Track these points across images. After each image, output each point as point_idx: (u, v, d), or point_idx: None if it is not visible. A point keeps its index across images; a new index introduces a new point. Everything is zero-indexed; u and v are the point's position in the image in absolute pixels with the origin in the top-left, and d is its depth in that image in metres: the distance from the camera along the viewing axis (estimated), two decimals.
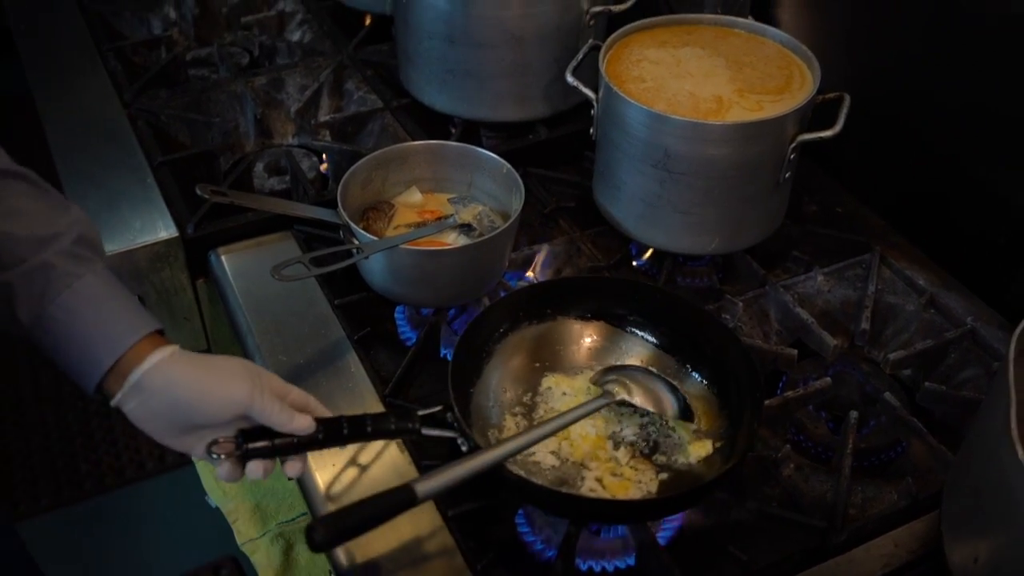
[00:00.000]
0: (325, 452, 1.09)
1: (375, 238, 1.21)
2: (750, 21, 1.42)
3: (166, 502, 2.47)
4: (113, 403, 0.92)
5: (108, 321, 0.91)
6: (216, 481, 1.50)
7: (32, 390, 2.80)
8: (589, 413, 1.07)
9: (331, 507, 1.06)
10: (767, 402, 1.15)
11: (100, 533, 2.40)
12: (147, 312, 0.96)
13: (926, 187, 1.44)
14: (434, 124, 1.61)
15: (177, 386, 0.91)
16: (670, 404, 1.11)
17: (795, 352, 1.25)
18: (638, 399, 1.11)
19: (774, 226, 1.39)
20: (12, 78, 2.03)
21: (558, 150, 1.57)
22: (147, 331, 0.92)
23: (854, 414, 1.17)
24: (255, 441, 0.93)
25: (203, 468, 1.55)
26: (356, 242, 1.22)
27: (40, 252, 0.90)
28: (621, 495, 1.05)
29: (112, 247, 1.32)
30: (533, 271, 1.38)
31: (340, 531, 0.90)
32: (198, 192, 1.13)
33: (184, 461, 2.56)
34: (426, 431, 1.01)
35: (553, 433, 1.03)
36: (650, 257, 1.42)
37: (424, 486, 0.93)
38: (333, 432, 0.97)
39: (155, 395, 0.91)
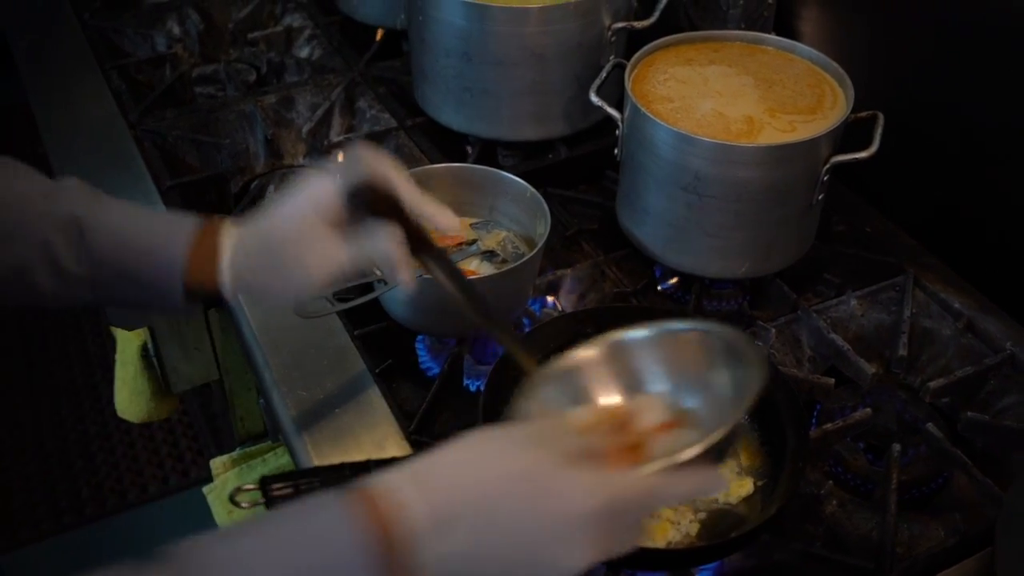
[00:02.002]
0: None
1: None
2: (778, 38, 1.38)
3: (170, 527, 2.42)
4: (224, 289, 0.93)
5: (158, 221, 0.94)
6: (227, 513, 1.46)
7: (31, 413, 2.75)
8: None
9: None
10: (808, 435, 1.11)
11: (102, 560, 2.35)
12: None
13: (957, 206, 1.41)
14: (450, 143, 1.57)
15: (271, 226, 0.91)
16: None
17: (832, 381, 1.21)
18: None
19: (805, 248, 1.35)
20: (11, 91, 1.99)
21: (578, 169, 1.53)
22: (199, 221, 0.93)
23: (896, 447, 1.13)
24: (280, 487, 0.89)
25: (214, 499, 1.51)
26: (378, 272, 1.17)
27: (55, 203, 0.91)
28: (659, 537, 1.01)
29: None
30: (556, 297, 1.34)
31: None
32: None
33: (189, 484, 2.52)
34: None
35: None
36: (676, 281, 1.38)
37: None
38: (359, 476, 0.93)
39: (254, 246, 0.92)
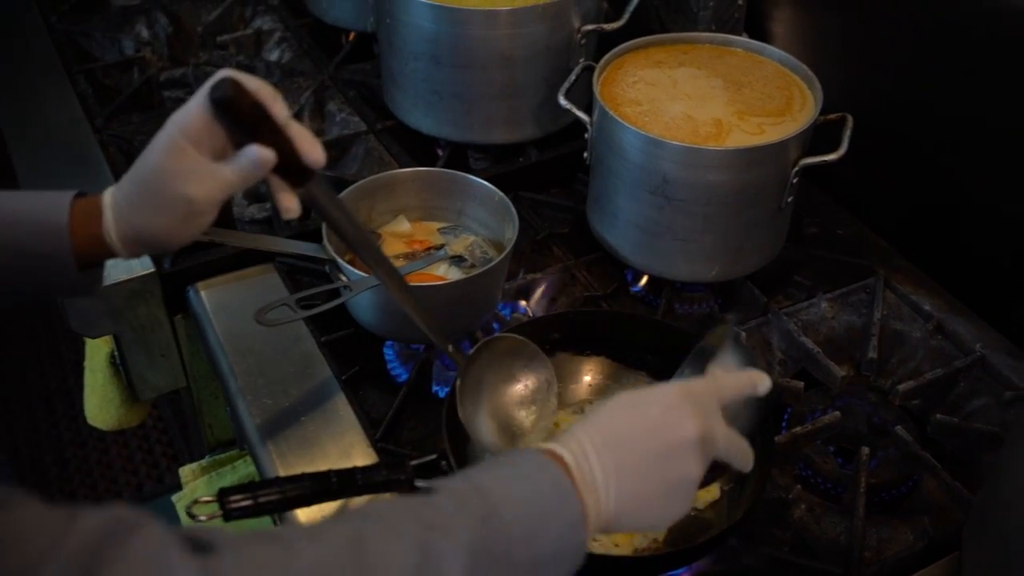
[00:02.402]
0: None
1: (364, 274, 1.16)
2: (748, 39, 1.38)
3: None
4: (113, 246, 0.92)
5: (41, 196, 0.92)
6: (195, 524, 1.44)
7: (4, 421, 2.72)
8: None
9: None
10: (776, 439, 1.10)
11: None
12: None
13: (928, 208, 1.40)
14: (420, 147, 1.55)
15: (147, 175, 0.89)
16: None
17: (801, 385, 1.21)
18: None
19: (776, 251, 1.34)
20: None
21: (549, 173, 1.52)
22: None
23: (865, 450, 1.12)
24: (238, 499, 0.88)
25: (183, 508, 1.49)
26: (344, 278, 1.16)
27: None
28: (624, 543, 1.00)
29: None
30: (527, 302, 1.33)
31: None
32: None
33: (163, 491, 2.50)
34: (420, 483, 0.95)
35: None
36: (648, 285, 1.37)
37: None
38: (321, 487, 0.92)
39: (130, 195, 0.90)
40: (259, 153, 0.86)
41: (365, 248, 0.99)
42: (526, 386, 1.09)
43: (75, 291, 0.98)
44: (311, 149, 0.90)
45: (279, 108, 0.88)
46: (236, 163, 0.87)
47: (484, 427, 1.05)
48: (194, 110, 0.86)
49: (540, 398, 1.09)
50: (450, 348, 1.05)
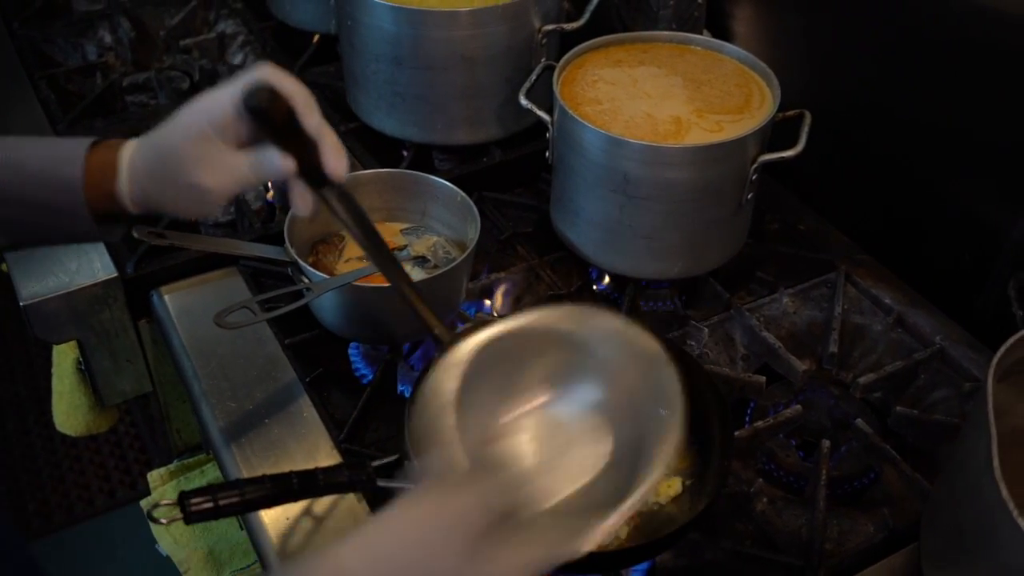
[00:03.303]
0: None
1: (325, 276, 1.16)
2: (707, 38, 1.39)
3: (119, 540, 2.39)
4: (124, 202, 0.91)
5: (54, 144, 0.92)
6: (166, 529, 1.44)
7: None
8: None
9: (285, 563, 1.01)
10: (737, 433, 1.12)
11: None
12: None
13: (888, 204, 1.42)
14: (385, 149, 1.56)
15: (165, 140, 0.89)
16: None
17: (763, 379, 1.22)
18: None
19: (737, 247, 1.35)
20: None
21: (513, 173, 1.53)
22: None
23: (826, 443, 1.13)
24: (198, 501, 0.88)
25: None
26: (306, 280, 1.16)
27: None
28: None
29: (47, 291, 1.26)
30: (491, 301, 1.33)
31: None
32: (135, 235, 1.07)
33: (136, 496, 2.48)
34: (382, 483, 0.96)
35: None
36: (611, 282, 1.38)
37: None
38: (282, 489, 0.92)
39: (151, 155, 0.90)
40: (281, 163, 0.86)
41: (379, 257, 0.96)
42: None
43: (97, 239, 0.98)
44: (335, 163, 0.89)
45: (312, 119, 0.87)
46: (256, 164, 0.87)
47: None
48: (226, 102, 0.85)
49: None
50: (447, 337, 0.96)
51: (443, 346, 0.91)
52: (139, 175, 0.90)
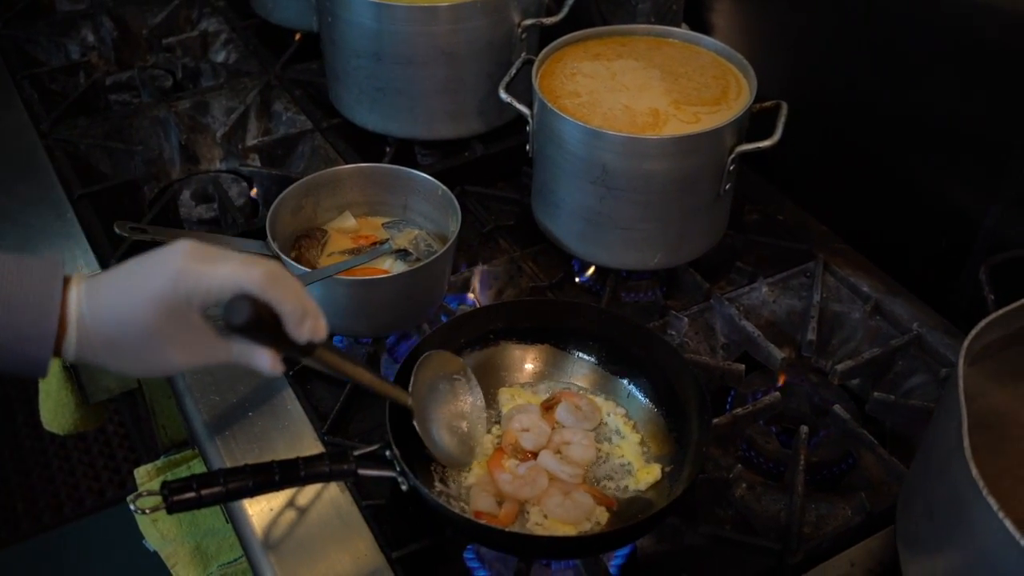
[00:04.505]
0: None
1: (307, 269, 1.17)
2: (685, 31, 1.40)
3: (109, 540, 2.39)
4: (66, 354, 0.81)
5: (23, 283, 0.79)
6: (153, 524, 1.44)
7: None
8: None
9: (270, 556, 1.02)
10: (716, 420, 1.13)
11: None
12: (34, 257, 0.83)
13: (866, 193, 1.43)
14: (367, 144, 1.56)
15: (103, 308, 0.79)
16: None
17: (742, 367, 1.23)
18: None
19: (717, 238, 1.37)
20: None
21: (495, 166, 1.54)
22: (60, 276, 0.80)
23: (804, 429, 1.14)
24: (180, 492, 0.89)
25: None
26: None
27: None
28: (569, 527, 1.02)
29: None
30: (474, 293, 1.34)
31: None
32: (116, 230, 1.07)
33: (125, 495, 2.48)
34: (363, 472, 0.97)
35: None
36: (593, 274, 1.39)
37: None
38: (263, 479, 0.93)
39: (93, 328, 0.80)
40: (269, 363, 0.82)
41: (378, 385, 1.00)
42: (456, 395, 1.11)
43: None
44: (320, 331, 0.83)
45: (302, 328, 0.81)
46: (241, 356, 0.82)
47: (437, 436, 1.07)
48: (214, 290, 0.78)
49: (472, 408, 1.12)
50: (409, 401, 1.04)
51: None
52: (92, 342, 0.80)
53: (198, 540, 1.37)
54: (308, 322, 0.81)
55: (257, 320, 0.77)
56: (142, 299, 0.78)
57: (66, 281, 0.81)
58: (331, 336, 0.95)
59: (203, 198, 1.53)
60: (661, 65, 1.35)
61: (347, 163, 1.49)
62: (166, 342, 0.80)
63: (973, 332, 0.91)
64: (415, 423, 1.03)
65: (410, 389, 1.04)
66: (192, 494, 0.88)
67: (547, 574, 1.04)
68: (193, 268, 0.78)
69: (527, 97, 1.33)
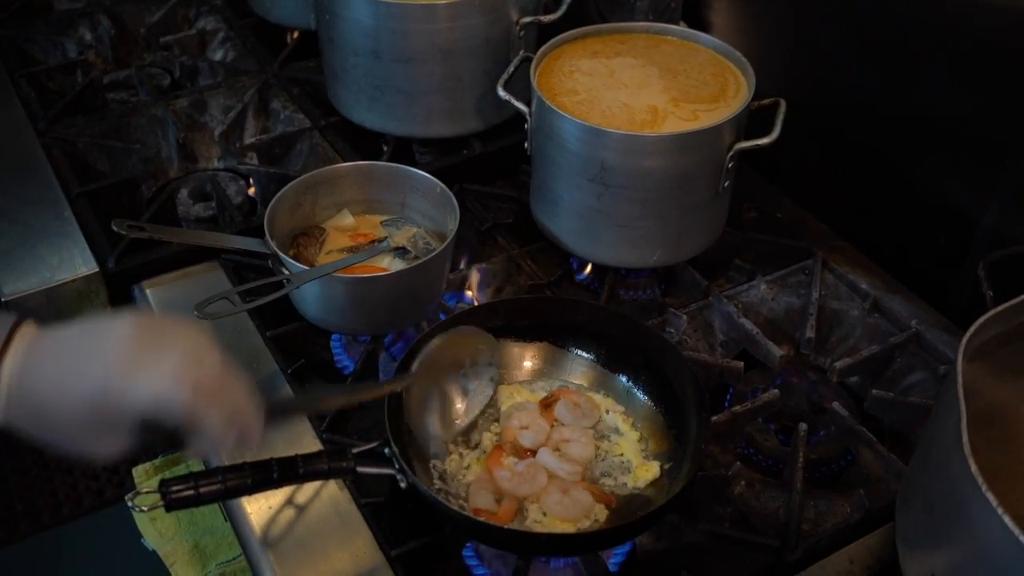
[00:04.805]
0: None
1: (305, 267, 1.17)
2: (683, 28, 1.40)
3: (107, 540, 2.39)
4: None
5: None
6: (152, 522, 1.44)
7: None
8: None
9: (269, 554, 1.02)
10: (715, 418, 1.13)
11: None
12: None
13: (865, 190, 1.43)
14: (365, 142, 1.56)
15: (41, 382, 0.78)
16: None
17: (741, 365, 1.23)
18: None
19: (715, 235, 1.37)
20: None
21: (494, 164, 1.54)
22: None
23: (803, 426, 1.15)
24: (178, 490, 0.89)
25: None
26: (286, 272, 1.17)
27: None
28: (568, 525, 1.02)
29: (28, 286, 1.26)
30: (472, 291, 1.34)
31: None
32: (114, 229, 1.07)
33: (123, 495, 2.48)
34: (362, 469, 0.97)
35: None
36: (591, 271, 1.39)
37: None
38: (262, 476, 0.93)
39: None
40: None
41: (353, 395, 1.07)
42: (467, 376, 1.14)
43: None
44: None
45: (224, 442, 0.82)
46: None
47: (429, 421, 1.07)
48: (137, 406, 0.77)
49: (478, 386, 1.14)
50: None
51: None
52: (20, 413, 0.79)
53: (197, 539, 1.37)
54: (232, 435, 0.82)
55: (170, 441, 0.79)
56: (71, 400, 0.78)
57: (8, 339, 0.79)
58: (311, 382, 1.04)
59: (201, 196, 1.53)
60: (659, 63, 1.35)
61: (345, 161, 1.49)
62: (92, 439, 0.80)
63: (972, 329, 0.91)
64: (402, 392, 1.05)
65: (414, 367, 1.07)
66: (191, 491, 0.88)
67: (546, 572, 1.04)
68: (122, 375, 0.77)
69: (525, 95, 1.33)
